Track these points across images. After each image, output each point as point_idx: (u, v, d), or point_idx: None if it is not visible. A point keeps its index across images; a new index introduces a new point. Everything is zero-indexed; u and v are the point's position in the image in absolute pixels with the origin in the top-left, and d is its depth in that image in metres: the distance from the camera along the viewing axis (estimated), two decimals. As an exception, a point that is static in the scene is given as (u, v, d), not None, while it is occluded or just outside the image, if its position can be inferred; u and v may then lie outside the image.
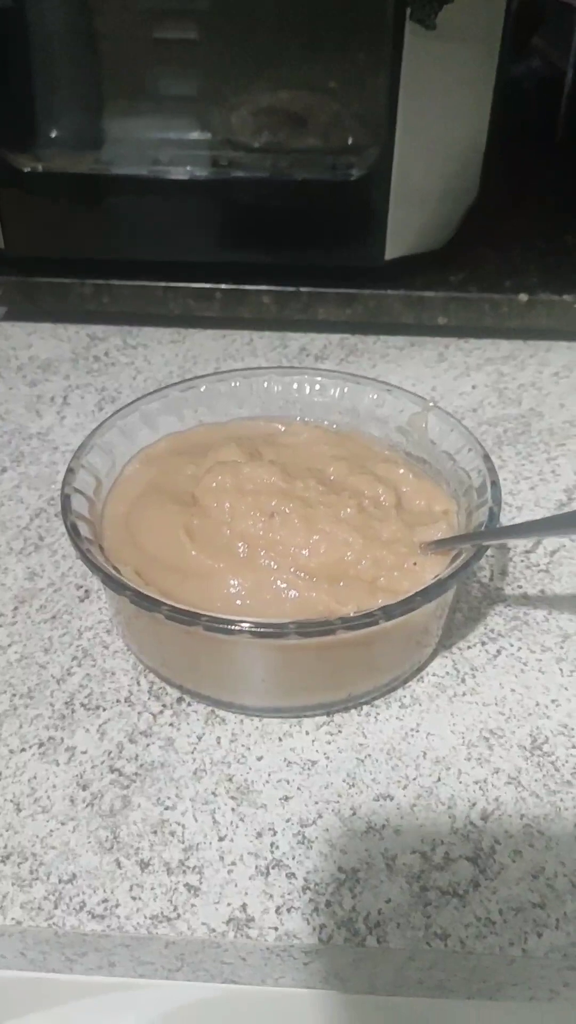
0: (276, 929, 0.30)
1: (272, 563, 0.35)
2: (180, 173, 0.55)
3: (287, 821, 0.33)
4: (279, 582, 0.35)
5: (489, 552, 0.43)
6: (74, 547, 0.35)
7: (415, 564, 0.35)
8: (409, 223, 0.54)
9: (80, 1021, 0.33)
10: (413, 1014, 0.32)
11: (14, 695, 0.38)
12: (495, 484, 0.36)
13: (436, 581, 0.33)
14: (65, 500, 0.37)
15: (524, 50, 0.82)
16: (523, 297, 0.55)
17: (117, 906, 0.31)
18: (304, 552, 0.35)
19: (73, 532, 0.35)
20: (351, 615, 0.32)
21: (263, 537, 0.36)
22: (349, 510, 0.36)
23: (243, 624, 0.31)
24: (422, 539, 0.36)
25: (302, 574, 0.35)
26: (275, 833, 0.33)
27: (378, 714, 0.37)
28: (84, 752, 0.35)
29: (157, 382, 0.55)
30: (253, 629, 0.31)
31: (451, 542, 0.35)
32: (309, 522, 0.35)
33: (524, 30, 0.77)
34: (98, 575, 0.34)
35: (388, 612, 0.32)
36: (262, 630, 0.31)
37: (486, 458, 0.38)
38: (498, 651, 0.39)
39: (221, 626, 0.31)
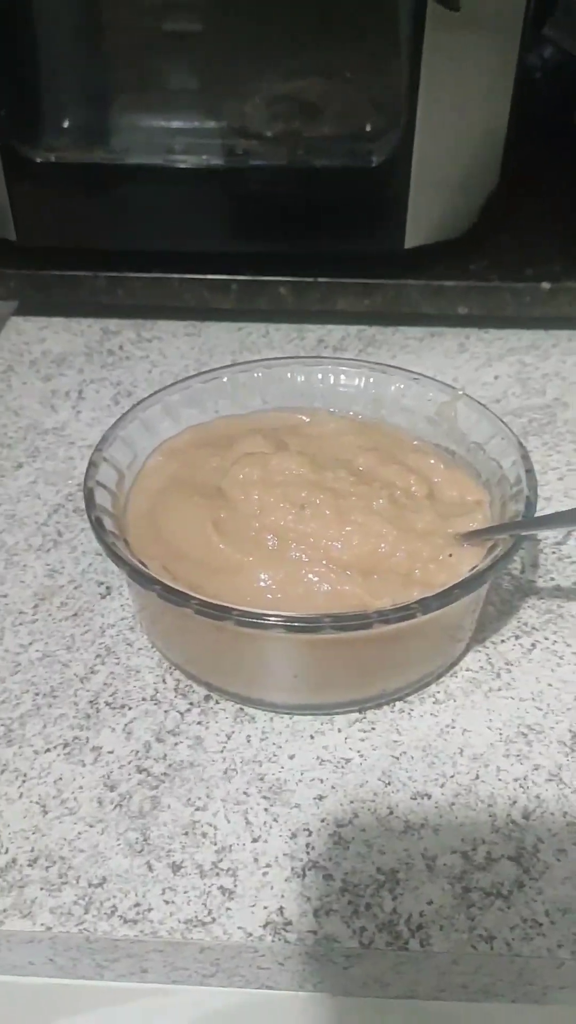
0: (315, 933, 0.29)
1: (303, 556, 0.34)
2: (194, 162, 0.54)
3: (322, 821, 0.32)
4: (311, 575, 0.34)
5: (519, 544, 0.42)
6: (99, 542, 0.34)
7: (451, 556, 0.34)
8: (429, 210, 0.53)
9: (112, 1029, 0.32)
10: (457, 1019, 0.31)
11: (37, 694, 0.37)
12: (530, 472, 0.36)
13: (475, 573, 0.32)
14: (88, 494, 0.36)
15: (535, 38, 0.81)
16: (546, 285, 0.54)
17: (150, 910, 0.30)
18: (336, 544, 0.34)
19: (98, 526, 0.34)
20: (388, 608, 0.31)
21: (293, 529, 0.35)
22: (381, 501, 0.35)
23: (276, 618, 0.30)
24: (457, 530, 0.35)
25: (334, 567, 0.34)
26: (310, 834, 0.32)
27: (412, 710, 0.36)
28: (111, 752, 0.34)
29: (173, 375, 0.54)
30: (287, 623, 0.30)
31: (488, 532, 0.34)
32: (341, 513, 0.34)
33: (536, 18, 0.76)
34: (125, 570, 0.33)
35: (426, 605, 0.31)
36: (296, 624, 0.30)
37: (520, 446, 0.37)
38: (533, 645, 0.38)
39: (253, 620, 0.30)
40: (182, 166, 0.55)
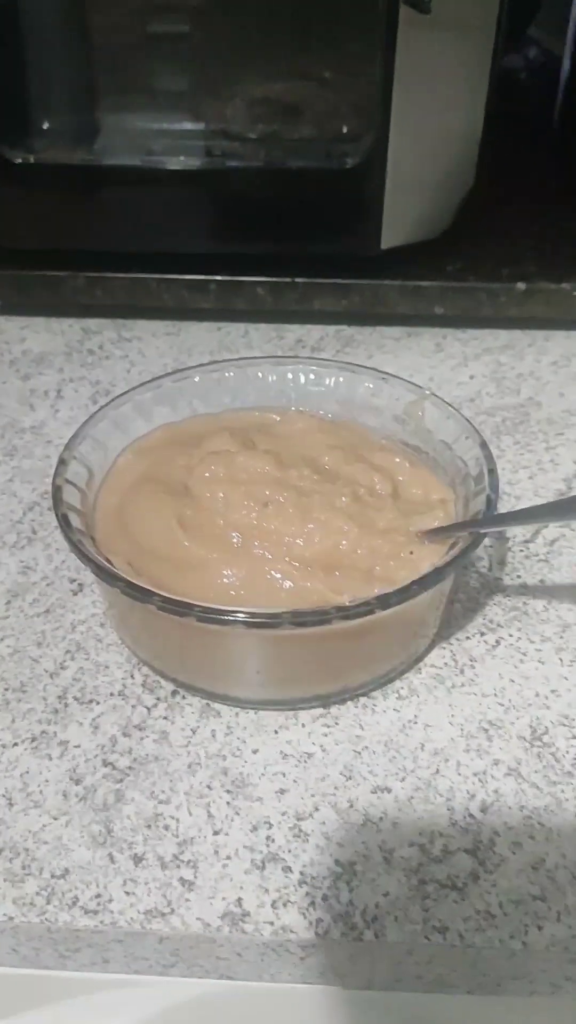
0: (272, 924, 0.30)
1: (266, 553, 0.35)
2: (174, 163, 0.55)
3: (283, 814, 0.33)
4: (273, 572, 0.34)
5: (487, 542, 0.43)
6: (65, 538, 0.34)
7: (411, 553, 0.34)
8: (405, 212, 0.53)
9: (74, 1018, 0.32)
10: (412, 1010, 0.32)
11: (6, 689, 0.37)
12: (492, 472, 0.36)
13: (433, 570, 0.32)
14: (56, 491, 0.36)
15: (520, 39, 0.82)
16: (521, 286, 0.55)
17: (110, 901, 0.30)
18: (299, 541, 0.35)
19: (64, 523, 0.35)
20: (347, 604, 0.31)
21: (257, 527, 0.35)
22: (344, 499, 0.35)
23: (237, 614, 0.31)
24: (419, 528, 0.35)
25: (297, 564, 0.34)
26: (271, 827, 0.32)
27: (375, 706, 0.36)
28: (77, 746, 0.35)
29: (152, 375, 0.54)
30: (247, 619, 0.31)
31: (448, 530, 0.35)
32: (304, 511, 0.35)
33: (520, 19, 0.77)
34: (89, 566, 0.33)
35: (384, 601, 0.31)
36: (256, 620, 0.31)
37: (483, 446, 0.37)
38: (497, 641, 0.39)
39: (214, 616, 0.31)
40: (162, 168, 0.55)
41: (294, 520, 0.35)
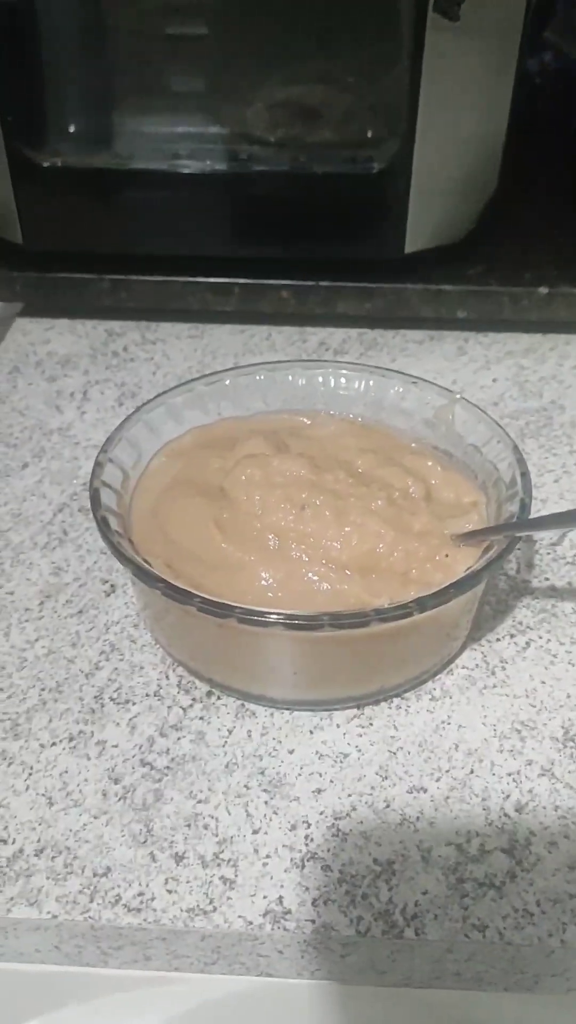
0: (313, 921, 0.30)
1: (303, 555, 0.35)
2: (198, 167, 0.55)
3: (321, 814, 0.33)
4: (310, 574, 0.35)
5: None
6: (104, 540, 0.35)
7: (447, 556, 0.35)
8: (429, 216, 0.54)
9: (116, 1014, 0.33)
10: (451, 1007, 0.32)
11: (43, 689, 0.37)
12: (525, 475, 0.36)
13: (470, 572, 0.33)
14: (94, 494, 0.36)
15: (537, 43, 0.82)
16: (543, 290, 0.55)
17: (153, 899, 0.31)
18: (335, 544, 0.35)
19: (103, 525, 0.35)
20: (386, 607, 0.32)
21: (294, 529, 0.35)
22: (380, 502, 0.36)
23: (277, 616, 0.31)
24: (453, 531, 0.36)
25: (333, 566, 0.35)
26: (309, 826, 0.33)
27: (409, 707, 0.36)
28: (115, 746, 0.35)
29: (176, 377, 0.55)
30: (287, 621, 0.31)
31: (483, 533, 0.35)
32: (340, 514, 0.35)
33: (536, 23, 0.77)
34: (130, 568, 0.34)
35: (422, 604, 0.31)
36: (296, 622, 0.31)
37: (515, 449, 0.38)
38: (527, 643, 0.39)
39: (254, 618, 0.31)
40: (185, 171, 0.55)
41: (331, 523, 0.35)
